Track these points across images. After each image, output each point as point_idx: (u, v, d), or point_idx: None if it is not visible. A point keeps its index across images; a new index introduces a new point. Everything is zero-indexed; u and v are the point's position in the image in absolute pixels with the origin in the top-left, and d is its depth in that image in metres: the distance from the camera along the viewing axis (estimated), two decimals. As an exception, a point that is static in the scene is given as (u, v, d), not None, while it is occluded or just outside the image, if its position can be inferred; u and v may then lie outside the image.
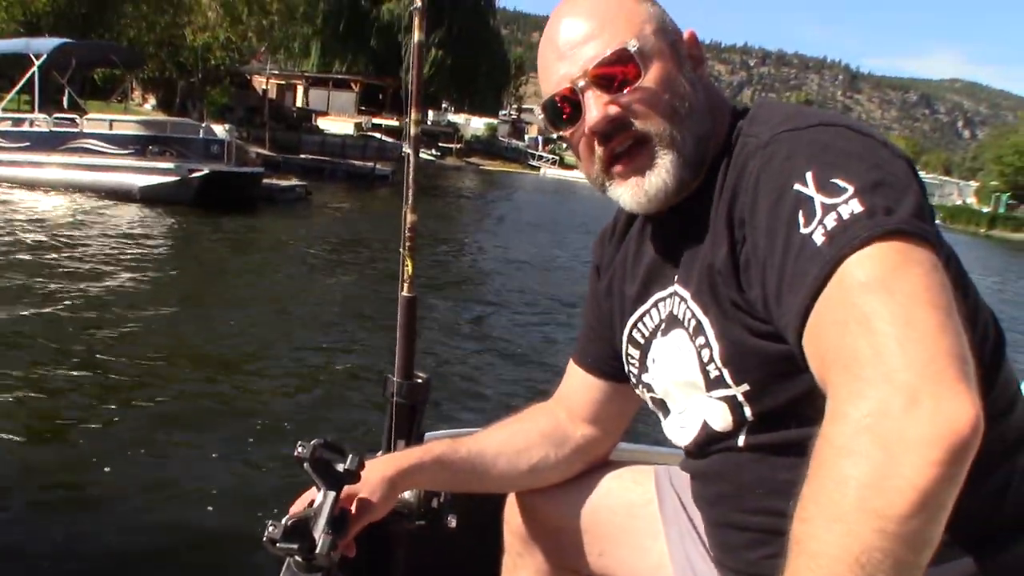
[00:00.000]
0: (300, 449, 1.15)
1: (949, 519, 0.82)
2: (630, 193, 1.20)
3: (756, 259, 1.04)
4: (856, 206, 0.93)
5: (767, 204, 1.02)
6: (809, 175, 0.98)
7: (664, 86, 1.16)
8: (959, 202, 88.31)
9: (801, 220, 0.96)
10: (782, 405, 1.11)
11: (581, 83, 1.16)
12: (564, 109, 1.21)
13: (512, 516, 1.62)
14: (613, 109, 1.15)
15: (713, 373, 1.16)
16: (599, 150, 1.19)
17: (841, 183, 0.96)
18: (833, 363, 0.89)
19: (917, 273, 0.89)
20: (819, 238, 0.94)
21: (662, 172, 1.17)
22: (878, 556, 0.78)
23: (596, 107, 1.16)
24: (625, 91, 1.15)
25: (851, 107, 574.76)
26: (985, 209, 78.03)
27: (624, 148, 1.18)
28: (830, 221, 0.94)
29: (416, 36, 1.89)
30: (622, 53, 1.15)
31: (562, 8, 1.22)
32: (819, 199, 0.96)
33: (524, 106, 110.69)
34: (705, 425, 1.23)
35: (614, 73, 1.15)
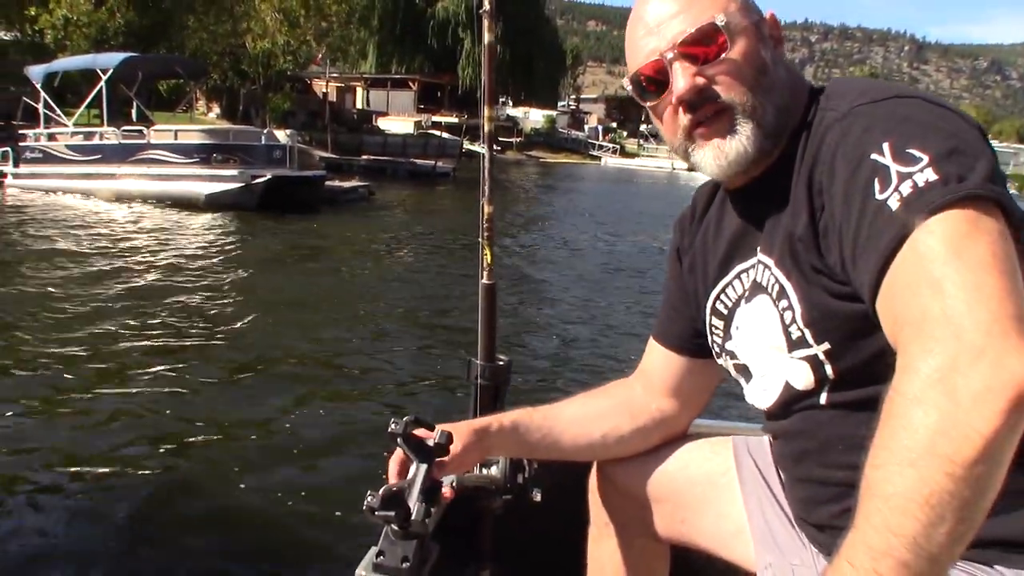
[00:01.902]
0: (393, 426, 1.24)
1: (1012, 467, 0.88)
2: (712, 155, 1.25)
3: (834, 224, 1.09)
4: (931, 174, 0.98)
5: (845, 172, 1.07)
6: (886, 145, 1.03)
7: (748, 60, 1.22)
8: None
9: (877, 187, 1.02)
10: (861, 362, 1.16)
11: (669, 55, 1.22)
12: (653, 80, 1.27)
13: (595, 487, 1.69)
14: (700, 80, 1.21)
15: (796, 334, 1.21)
16: (684, 118, 1.25)
17: (916, 152, 1.01)
18: (905, 322, 0.96)
19: (986, 241, 0.95)
20: (894, 204, 0.99)
21: (742, 139, 1.22)
22: (946, 497, 0.85)
23: (684, 78, 1.21)
24: (711, 63, 1.21)
25: (918, 79, 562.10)
26: (1064, 176, 75.70)
27: (707, 116, 1.23)
28: (906, 188, 0.99)
29: (487, 38, 1.97)
30: (709, 27, 1.20)
31: None
32: (895, 167, 1.01)
33: (583, 96, 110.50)
34: (787, 385, 1.27)
35: (702, 45, 1.21)
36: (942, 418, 0.86)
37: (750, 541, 1.46)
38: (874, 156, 1.03)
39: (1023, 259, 0.99)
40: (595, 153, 73.40)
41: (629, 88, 1.32)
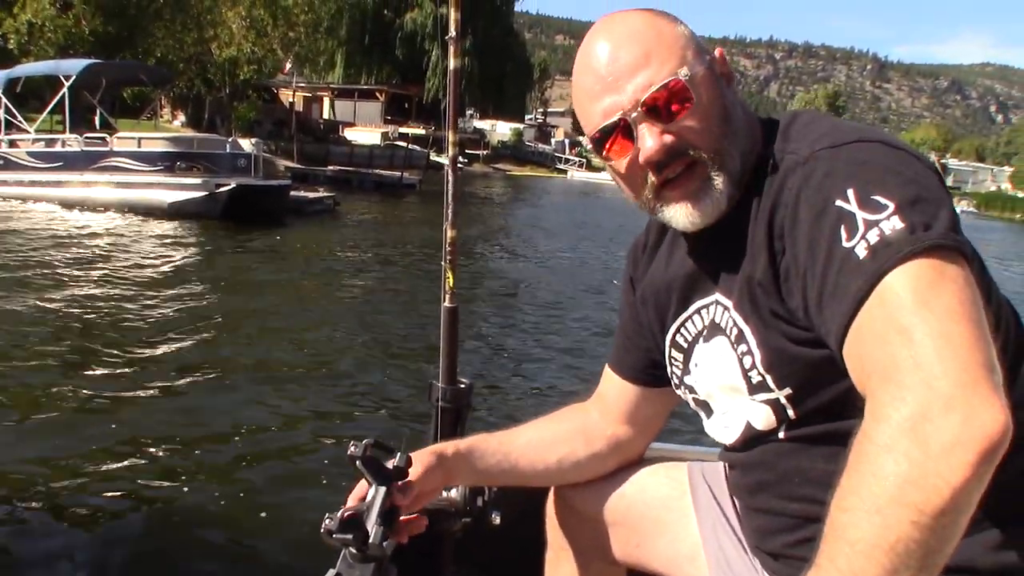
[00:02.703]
0: (352, 448, 1.22)
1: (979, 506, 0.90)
2: (684, 214, 1.22)
3: (796, 270, 1.08)
4: (897, 222, 0.99)
5: (809, 218, 1.06)
6: (850, 191, 1.03)
7: (712, 110, 1.19)
8: (993, 188, 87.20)
9: (844, 234, 1.01)
10: (822, 404, 1.16)
11: (634, 114, 1.17)
12: (614, 139, 1.22)
13: (553, 511, 1.70)
14: (668, 138, 1.17)
15: (756, 379, 1.21)
16: (652, 178, 1.21)
17: (882, 200, 1.01)
18: (874, 369, 0.96)
19: (952, 289, 0.96)
20: (862, 252, 0.99)
21: (715, 193, 1.19)
22: (912, 546, 0.85)
23: (651, 137, 1.17)
24: (677, 119, 1.17)
25: (880, 97, 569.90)
26: (1020, 195, 77.07)
27: (677, 173, 1.20)
28: (873, 236, 0.99)
29: (452, 63, 2.00)
30: (675, 83, 1.17)
31: (599, 34, 1.23)
32: (861, 215, 1.01)
33: (550, 110, 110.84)
34: (748, 425, 1.28)
35: (667, 102, 1.17)
36: (912, 467, 0.86)
37: (704, 565, 1.47)
38: (839, 202, 1.03)
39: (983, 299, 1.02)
40: (561, 167, 73.74)
41: (588, 146, 1.27)
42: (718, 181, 1.19)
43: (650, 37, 1.20)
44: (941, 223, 1.00)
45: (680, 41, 1.21)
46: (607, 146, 1.23)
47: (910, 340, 0.93)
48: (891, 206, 1.00)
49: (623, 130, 1.20)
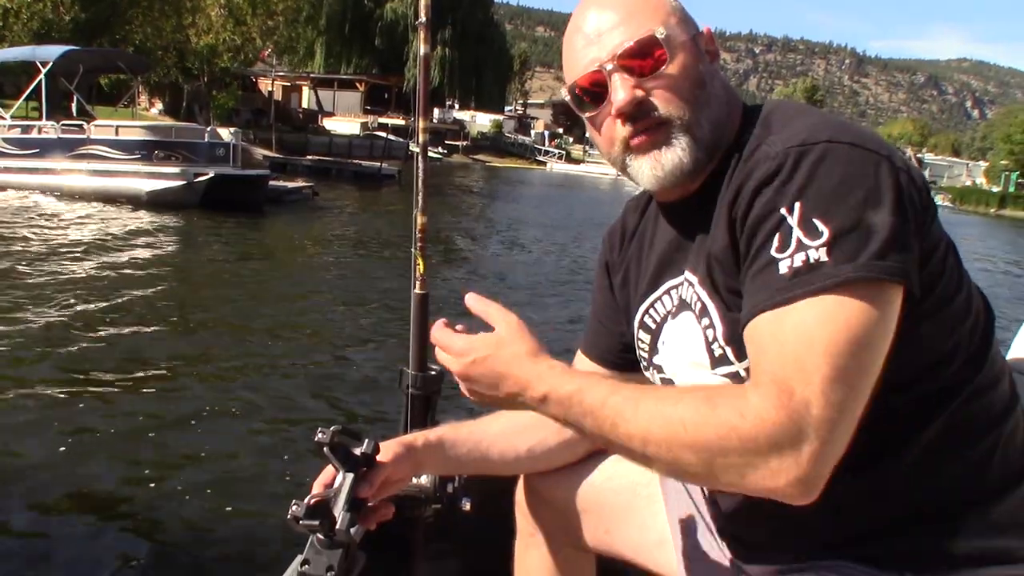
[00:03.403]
0: (320, 435, 1.21)
1: (945, 482, 1.09)
2: (648, 166, 1.25)
3: (741, 255, 1.16)
4: (824, 254, 1.05)
5: (757, 213, 1.12)
6: (797, 206, 1.08)
7: (686, 73, 1.23)
8: (968, 183, 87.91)
9: (776, 242, 1.08)
10: None
11: (609, 66, 1.22)
12: (591, 91, 1.27)
13: (522, 499, 1.70)
14: (639, 92, 1.21)
15: (718, 352, 1.24)
16: (623, 130, 1.25)
17: (820, 225, 1.06)
18: (759, 362, 1.08)
19: (846, 337, 1.03)
20: (784, 268, 1.07)
21: (678, 151, 1.23)
22: (612, 428, 1.10)
23: (623, 89, 1.21)
24: (650, 76, 1.22)
25: (859, 91, 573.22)
26: (995, 189, 77.76)
27: (646, 128, 1.24)
28: (798, 260, 1.06)
29: (422, 49, 1.99)
30: (650, 39, 1.21)
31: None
32: (796, 233, 1.07)
33: (530, 101, 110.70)
34: None
35: (642, 57, 1.22)
36: (704, 422, 1.02)
37: (673, 551, 1.50)
38: (783, 212, 1.08)
39: (931, 319, 1.12)
40: (541, 159, 73.61)
41: (567, 98, 1.32)
42: (683, 142, 1.23)
43: (636, 0, 1.25)
44: (869, 252, 1.04)
45: (665, 7, 1.26)
46: (584, 97, 1.28)
47: (801, 369, 1.02)
48: (826, 234, 1.05)
49: (599, 82, 1.25)
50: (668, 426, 1.04)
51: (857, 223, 1.06)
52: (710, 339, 1.25)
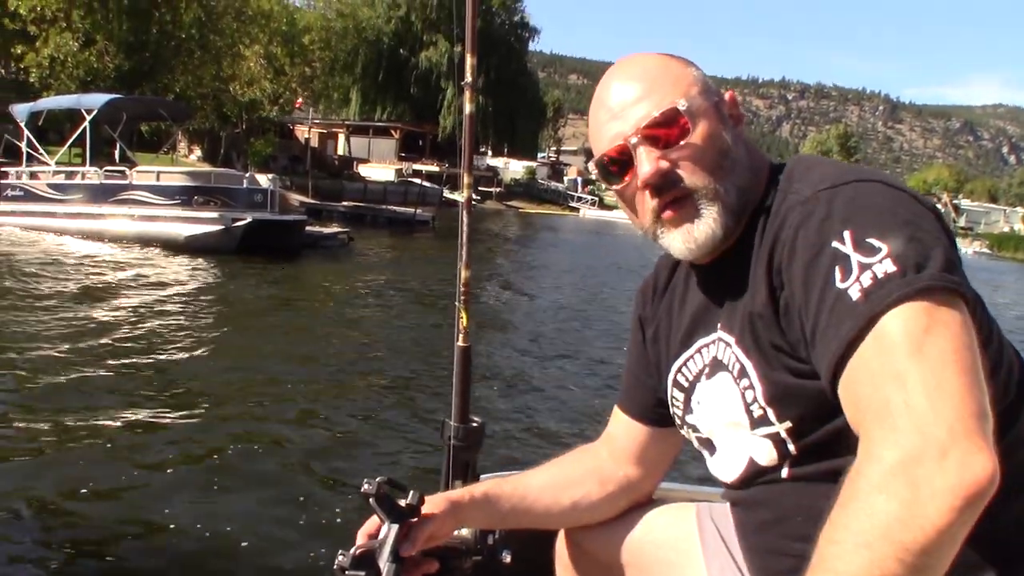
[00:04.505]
0: (366, 486, 1.24)
1: (976, 542, 0.96)
2: (681, 239, 1.28)
3: (793, 304, 1.13)
4: (890, 265, 1.02)
5: (806, 257, 1.10)
6: (847, 234, 1.07)
7: (710, 142, 1.25)
8: (1006, 229, 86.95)
9: (838, 275, 1.05)
10: (822, 439, 1.19)
11: (633, 140, 1.25)
12: (616, 165, 1.30)
13: (563, 552, 1.70)
14: (664, 164, 1.24)
15: (757, 412, 1.24)
16: (651, 202, 1.27)
17: (876, 242, 1.04)
18: (868, 409, 0.99)
19: (945, 335, 0.99)
20: (855, 294, 1.03)
21: (709, 221, 1.25)
22: None
23: (648, 162, 1.24)
24: (675, 147, 1.24)
25: (893, 137, 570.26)
26: (1033, 236, 76.76)
27: (673, 200, 1.26)
28: (866, 279, 1.03)
29: (467, 108, 2.03)
30: (672, 112, 1.24)
31: (613, 73, 1.33)
32: (856, 257, 1.05)
33: (563, 148, 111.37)
34: (751, 461, 1.31)
35: (665, 130, 1.24)
36: (902, 507, 0.90)
37: None
38: (835, 244, 1.06)
39: (980, 340, 1.03)
40: (574, 204, 73.80)
41: (594, 172, 1.35)
42: (711, 211, 1.25)
43: (657, 73, 1.29)
44: (935, 264, 1.03)
45: (686, 79, 1.29)
46: (611, 171, 1.31)
47: (903, 385, 0.96)
48: (885, 249, 1.03)
49: (624, 155, 1.27)
50: (873, 557, 0.91)
51: (912, 237, 1.05)
52: (749, 400, 1.25)
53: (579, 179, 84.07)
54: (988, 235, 75.98)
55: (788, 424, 1.21)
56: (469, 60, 2.03)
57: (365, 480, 1.24)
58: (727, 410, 1.30)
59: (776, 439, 1.23)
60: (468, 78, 2.02)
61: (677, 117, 1.24)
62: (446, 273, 16.88)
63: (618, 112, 1.28)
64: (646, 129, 1.24)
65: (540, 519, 1.58)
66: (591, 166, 1.37)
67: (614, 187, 1.33)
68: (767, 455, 1.27)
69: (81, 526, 4.58)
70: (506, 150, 72.22)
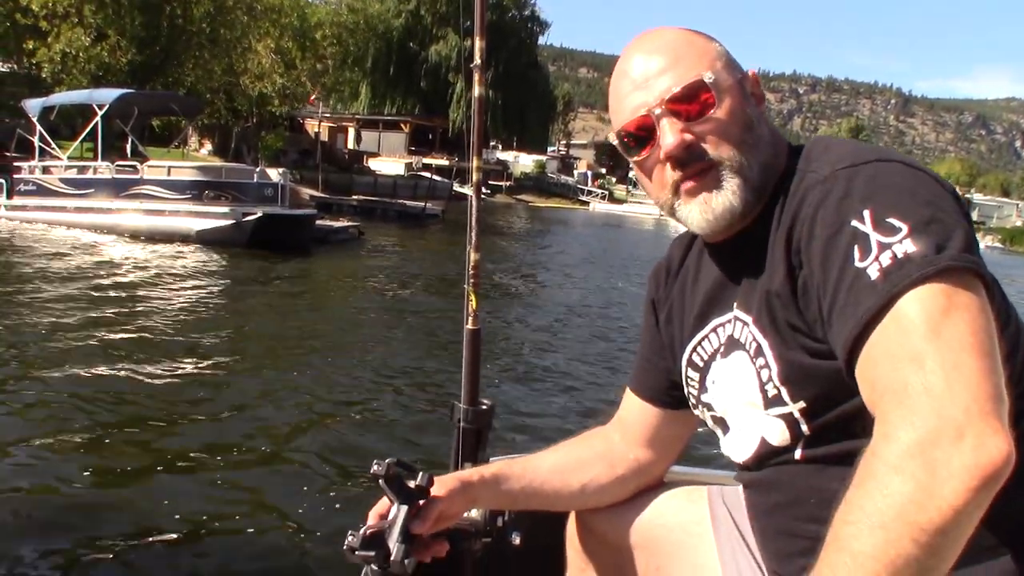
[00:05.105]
0: (376, 467, 1.25)
1: (990, 524, 0.96)
2: (699, 210, 1.27)
3: (812, 283, 1.13)
4: (910, 245, 1.02)
5: (824, 235, 1.10)
6: (866, 213, 1.06)
7: (734, 117, 1.25)
8: (1019, 223, 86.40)
9: (857, 254, 1.05)
10: (835, 421, 1.19)
11: (657, 111, 1.24)
12: (639, 135, 1.29)
13: (573, 534, 1.70)
14: (688, 136, 1.23)
15: (771, 392, 1.24)
16: (673, 174, 1.26)
17: (896, 222, 1.04)
18: (885, 390, 0.99)
19: (964, 317, 0.99)
20: (874, 273, 1.03)
21: (729, 194, 1.24)
22: (910, 562, 0.90)
23: (672, 133, 1.23)
24: (698, 120, 1.24)
25: (904, 131, 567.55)
26: (1047, 230, 76.25)
27: (695, 172, 1.25)
28: (885, 259, 1.03)
29: (476, 90, 2.04)
30: (698, 84, 1.23)
31: (635, 45, 1.32)
32: (875, 236, 1.04)
33: (573, 142, 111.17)
34: (763, 441, 1.31)
35: (690, 102, 1.24)
36: (918, 488, 0.90)
37: None
38: (854, 223, 1.06)
39: (998, 323, 1.04)
40: (584, 198, 73.73)
41: (615, 142, 1.33)
42: (733, 184, 1.24)
43: (681, 45, 1.28)
44: (955, 244, 1.02)
45: (711, 52, 1.28)
46: (632, 142, 1.30)
47: (922, 367, 0.96)
48: (905, 228, 1.03)
49: (647, 126, 1.26)
50: (888, 537, 0.91)
51: (933, 218, 1.05)
52: (764, 379, 1.25)
53: (589, 173, 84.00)
54: (1001, 229, 75.54)
55: (802, 404, 1.21)
56: (479, 43, 2.03)
57: (375, 461, 1.25)
58: (742, 389, 1.30)
59: (789, 419, 1.23)
60: (477, 60, 2.02)
61: (702, 90, 1.23)
62: (456, 265, 16.96)
63: (641, 83, 1.27)
64: (671, 102, 1.24)
65: (549, 501, 1.58)
66: (611, 136, 1.36)
67: (634, 158, 1.32)
68: (780, 435, 1.27)
69: (90, 514, 4.60)
70: (516, 144, 72.10)
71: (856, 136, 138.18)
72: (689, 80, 1.23)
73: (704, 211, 1.26)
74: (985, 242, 63.37)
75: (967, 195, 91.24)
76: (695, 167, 1.24)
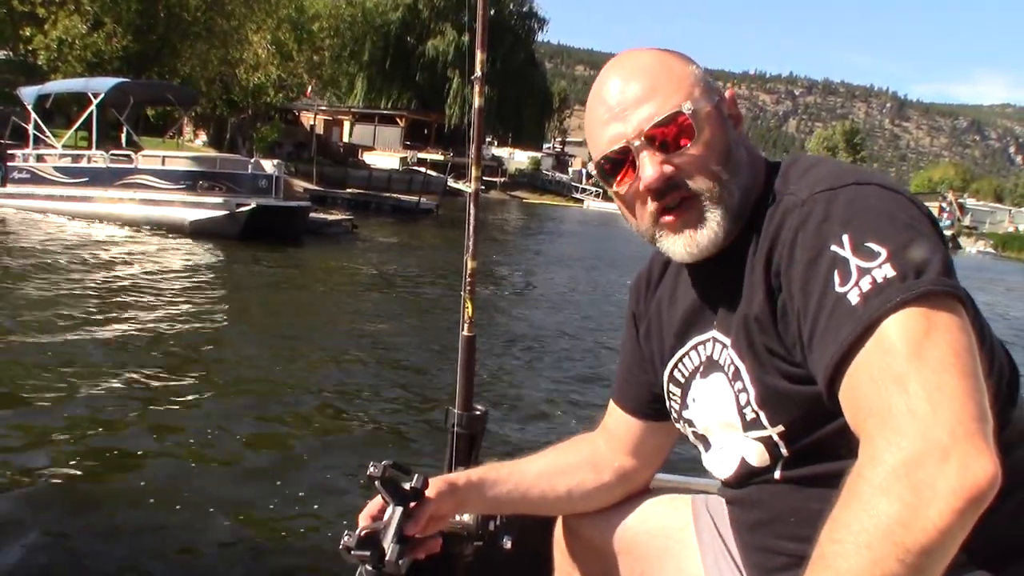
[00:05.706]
0: (372, 469, 1.28)
1: (972, 539, 0.95)
2: (682, 244, 1.26)
3: (791, 307, 1.13)
4: (889, 270, 1.03)
5: (805, 260, 1.10)
6: (845, 237, 1.07)
7: (713, 146, 1.23)
8: (1011, 229, 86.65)
9: (837, 279, 1.05)
10: (814, 443, 1.20)
11: (636, 143, 1.23)
12: (618, 167, 1.28)
13: (560, 539, 1.72)
14: (668, 168, 1.22)
15: (750, 415, 1.26)
16: (652, 205, 1.26)
17: (875, 247, 1.05)
18: (869, 412, 1.00)
19: (945, 339, 1.00)
20: (855, 298, 1.03)
21: (712, 225, 1.24)
22: None
23: (651, 166, 1.22)
24: (678, 151, 1.23)
25: (899, 135, 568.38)
26: (1038, 236, 76.48)
27: (675, 203, 1.25)
28: (865, 284, 1.03)
29: (477, 102, 2.06)
30: (677, 115, 1.22)
31: (612, 69, 1.30)
32: (855, 261, 1.05)
33: (568, 139, 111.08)
34: (743, 461, 1.32)
35: (669, 134, 1.22)
36: (904, 509, 0.90)
37: None
38: (834, 247, 1.07)
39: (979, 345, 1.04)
40: (578, 196, 73.73)
41: (594, 172, 1.32)
42: (715, 214, 1.23)
43: (659, 72, 1.26)
44: (934, 268, 1.03)
45: (688, 79, 1.26)
46: (610, 170, 1.29)
47: (905, 389, 0.97)
48: (884, 253, 1.04)
49: (626, 157, 1.25)
50: (874, 557, 0.91)
51: (911, 241, 1.06)
52: (742, 403, 1.26)
53: (584, 170, 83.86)
54: (993, 235, 75.67)
55: (780, 428, 1.22)
56: (479, 55, 2.05)
57: (371, 463, 1.27)
58: (721, 410, 1.32)
59: (768, 442, 1.25)
60: (478, 72, 2.04)
61: (681, 120, 1.22)
62: (449, 261, 16.92)
63: (618, 112, 1.25)
64: (650, 132, 1.23)
65: (536, 505, 1.60)
66: (590, 167, 1.36)
67: (613, 188, 1.31)
68: (759, 457, 1.28)
69: (93, 506, 4.63)
70: (511, 140, 72.05)
71: (851, 139, 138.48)
72: (667, 111, 1.22)
73: (688, 245, 1.26)
74: (977, 247, 63.85)
75: (960, 200, 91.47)
76: (675, 196, 1.24)
